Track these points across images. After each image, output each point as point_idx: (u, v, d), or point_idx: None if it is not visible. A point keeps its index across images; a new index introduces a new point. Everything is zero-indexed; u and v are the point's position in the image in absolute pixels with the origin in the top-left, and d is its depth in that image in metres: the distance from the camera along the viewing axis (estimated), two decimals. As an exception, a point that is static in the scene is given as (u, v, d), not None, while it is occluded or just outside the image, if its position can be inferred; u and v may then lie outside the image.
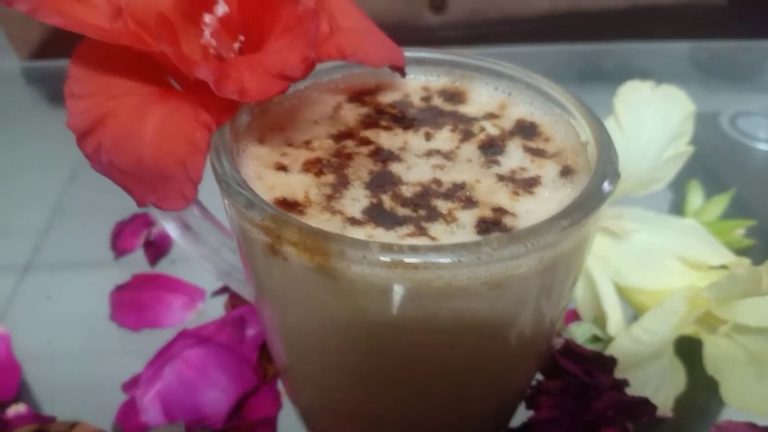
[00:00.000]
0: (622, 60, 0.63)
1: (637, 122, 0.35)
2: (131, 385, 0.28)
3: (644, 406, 0.24)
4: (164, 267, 0.37)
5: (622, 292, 0.32)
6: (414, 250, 0.17)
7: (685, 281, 0.31)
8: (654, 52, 0.63)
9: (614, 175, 0.21)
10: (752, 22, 0.63)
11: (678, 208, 0.41)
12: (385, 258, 0.17)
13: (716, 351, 0.30)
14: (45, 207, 0.42)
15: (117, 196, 0.21)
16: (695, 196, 0.40)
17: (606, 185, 0.20)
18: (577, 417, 0.24)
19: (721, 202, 0.39)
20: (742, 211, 0.41)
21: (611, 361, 0.26)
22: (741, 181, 0.45)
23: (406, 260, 0.17)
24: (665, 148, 0.35)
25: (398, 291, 0.18)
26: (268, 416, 0.27)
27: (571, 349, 0.26)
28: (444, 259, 0.17)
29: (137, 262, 0.37)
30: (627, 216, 0.35)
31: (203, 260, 0.28)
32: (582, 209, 0.19)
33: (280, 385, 0.29)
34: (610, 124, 0.35)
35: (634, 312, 0.33)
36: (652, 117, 0.36)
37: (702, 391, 0.30)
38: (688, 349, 0.31)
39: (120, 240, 0.37)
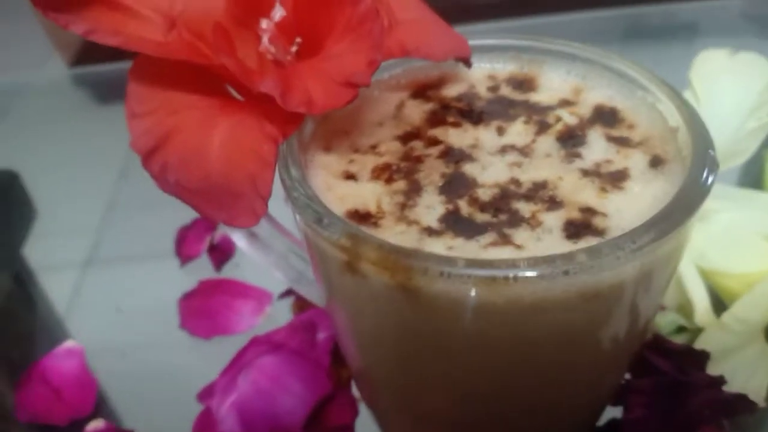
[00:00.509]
0: (666, 20, 0.59)
1: (715, 93, 0.33)
2: (206, 394, 0.28)
3: (742, 402, 0.23)
4: (229, 271, 0.36)
5: (706, 276, 0.31)
6: (502, 264, 0.16)
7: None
8: (701, 10, 0.59)
9: (713, 165, 0.19)
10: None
11: (754, 180, 0.38)
12: (472, 273, 0.16)
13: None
14: (98, 204, 0.42)
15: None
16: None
17: (706, 177, 0.18)
18: (670, 416, 0.23)
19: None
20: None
21: (704, 356, 0.24)
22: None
23: (494, 275, 0.16)
24: (746, 119, 0.33)
25: (485, 307, 0.17)
26: (345, 423, 0.26)
27: (660, 344, 0.25)
28: (535, 273, 0.16)
29: (202, 266, 0.37)
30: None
31: (272, 267, 0.27)
32: (683, 208, 0.17)
33: (355, 390, 0.28)
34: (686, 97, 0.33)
35: (719, 297, 0.31)
36: (730, 87, 0.33)
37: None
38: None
39: (184, 246, 0.37)
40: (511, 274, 0.16)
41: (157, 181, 0.20)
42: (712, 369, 0.26)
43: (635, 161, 0.21)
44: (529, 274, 0.16)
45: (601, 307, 0.17)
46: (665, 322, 0.29)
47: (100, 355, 0.31)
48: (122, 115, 0.20)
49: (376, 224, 0.19)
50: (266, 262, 0.27)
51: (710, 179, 0.18)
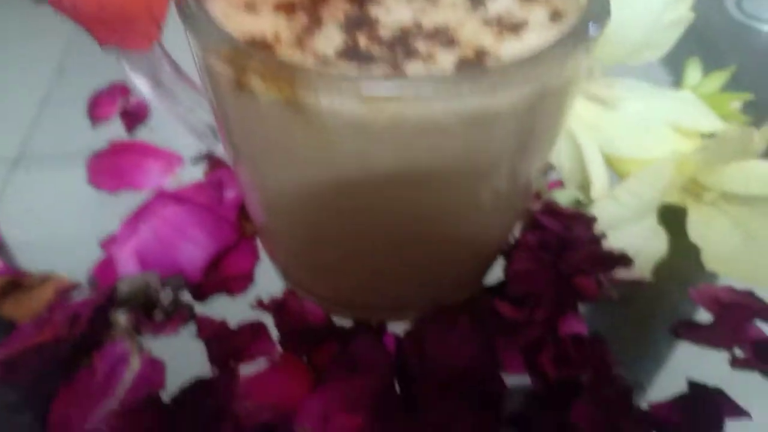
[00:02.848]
0: None
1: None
2: (109, 242, 0.28)
3: (621, 258, 0.24)
4: (142, 135, 0.36)
5: (611, 163, 0.32)
6: (385, 80, 0.16)
7: (675, 149, 0.30)
8: None
9: (603, 15, 0.19)
10: None
11: (674, 86, 0.39)
12: (357, 88, 0.16)
13: (700, 218, 0.30)
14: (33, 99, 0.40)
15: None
16: (693, 72, 0.39)
17: (593, 24, 0.19)
18: (552, 269, 0.24)
19: (719, 78, 0.38)
20: (742, 90, 0.40)
21: (591, 219, 0.26)
22: (742, 62, 0.44)
23: (378, 90, 0.16)
24: (663, 10, 0.33)
25: (370, 125, 0.17)
26: (245, 271, 0.27)
27: (551, 209, 0.26)
28: (416, 90, 0.16)
29: (115, 131, 0.36)
30: (619, 86, 0.34)
31: (177, 120, 0.27)
32: (563, 46, 0.18)
33: (259, 244, 0.28)
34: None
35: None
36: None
37: (683, 257, 0.30)
38: (672, 217, 0.31)
39: (96, 108, 0.36)
40: (392, 91, 0.16)
41: (53, 4, 0.19)
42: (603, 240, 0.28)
43: (536, 14, 0.21)
44: (409, 90, 0.16)
45: (480, 135, 0.18)
46: (563, 196, 0.30)
47: (6, 210, 0.30)
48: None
49: (270, 50, 0.19)
50: (172, 113, 0.26)
51: (597, 26, 0.19)
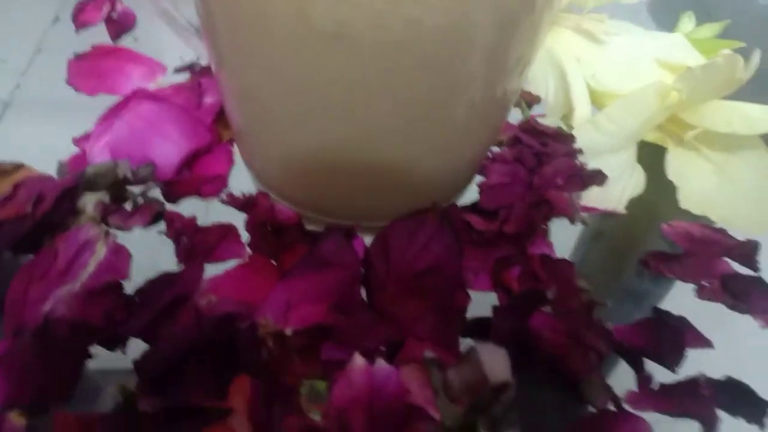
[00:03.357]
0: None
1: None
2: (83, 139, 0.28)
3: (596, 175, 0.24)
4: (127, 44, 0.35)
5: (597, 98, 0.32)
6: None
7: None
8: None
9: None
10: None
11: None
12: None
13: (679, 158, 0.30)
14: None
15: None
16: (688, 21, 0.38)
17: None
18: (528, 184, 0.24)
19: (713, 29, 0.38)
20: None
21: (570, 138, 0.26)
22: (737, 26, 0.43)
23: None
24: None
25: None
26: (219, 173, 0.27)
27: (531, 126, 0.25)
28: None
29: (99, 38, 0.35)
30: (610, 24, 0.33)
31: (161, 16, 0.26)
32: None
33: (236, 150, 0.28)
34: None
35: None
36: None
37: (659, 195, 0.30)
38: (651, 156, 0.31)
39: (82, 14, 0.36)
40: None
41: None
42: (580, 168, 0.28)
43: None
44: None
45: (453, 17, 0.18)
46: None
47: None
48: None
49: None
50: (155, 6, 0.26)
51: None
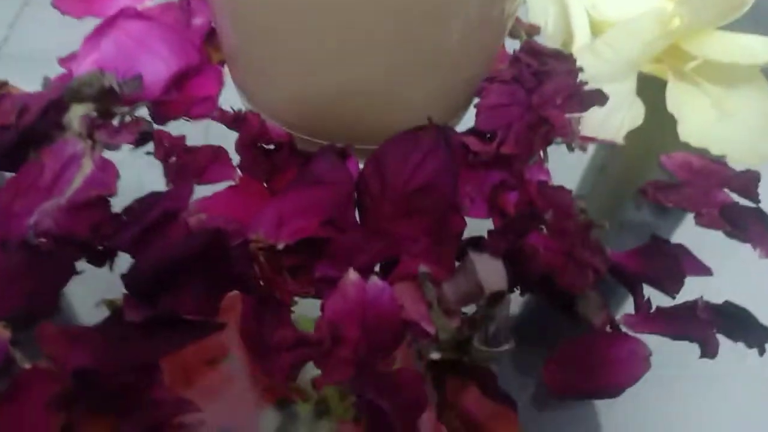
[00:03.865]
0: None
1: None
2: (68, 59, 0.27)
3: (596, 95, 0.24)
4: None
5: (596, 28, 0.31)
6: None
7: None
8: None
9: None
10: None
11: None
12: None
13: (680, 90, 0.30)
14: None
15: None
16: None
17: None
18: (526, 104, 0.23)
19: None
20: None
21: (570, 57, 0.25)
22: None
23: None
24: None
25: None
26: (209, 94, 0.26)
27: (531, 47, 0.25)
28: None
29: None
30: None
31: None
32: None
33: (226, 72, 0.27)
34: None
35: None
36: None
37: (657, 128, 0.30)
38: (651, 90, 0.30)
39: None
40: None
41: None
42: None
43: None
44: None
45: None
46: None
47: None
48: None
49: None
50: None
51: None
